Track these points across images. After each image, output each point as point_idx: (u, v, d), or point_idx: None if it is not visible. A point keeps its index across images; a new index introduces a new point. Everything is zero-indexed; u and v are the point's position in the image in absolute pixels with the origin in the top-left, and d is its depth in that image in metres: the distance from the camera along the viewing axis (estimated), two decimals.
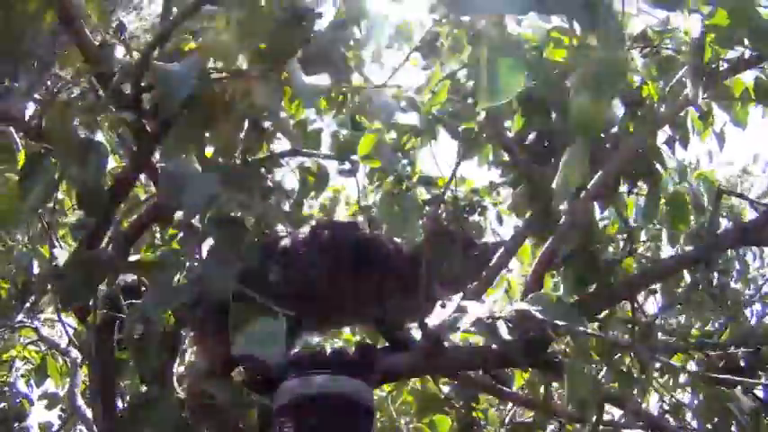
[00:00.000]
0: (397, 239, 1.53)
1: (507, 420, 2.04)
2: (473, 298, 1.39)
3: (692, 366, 1.89)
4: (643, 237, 2.16)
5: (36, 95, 1.33)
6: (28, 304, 2.07)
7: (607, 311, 1.49)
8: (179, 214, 1.17)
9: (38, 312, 2.22)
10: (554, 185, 1.07)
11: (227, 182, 1.04)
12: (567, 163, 1.06)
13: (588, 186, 1.36)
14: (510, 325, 1.01)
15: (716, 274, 2.02)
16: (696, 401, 1.81)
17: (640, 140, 1.38)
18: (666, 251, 2.22)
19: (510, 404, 2.06)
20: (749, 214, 2.15)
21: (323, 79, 1.15)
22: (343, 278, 1.40)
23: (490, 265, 1.48)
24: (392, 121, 1.21)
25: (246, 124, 1.32)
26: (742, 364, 1.73)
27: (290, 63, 1.15)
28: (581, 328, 0.99)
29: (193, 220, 1.05)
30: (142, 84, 1.16)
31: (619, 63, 0.90)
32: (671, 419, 1.83)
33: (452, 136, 1.45)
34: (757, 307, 2.50)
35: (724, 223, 1.93)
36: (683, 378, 2.14)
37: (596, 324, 1.69)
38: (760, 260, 2.69)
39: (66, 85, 1.40)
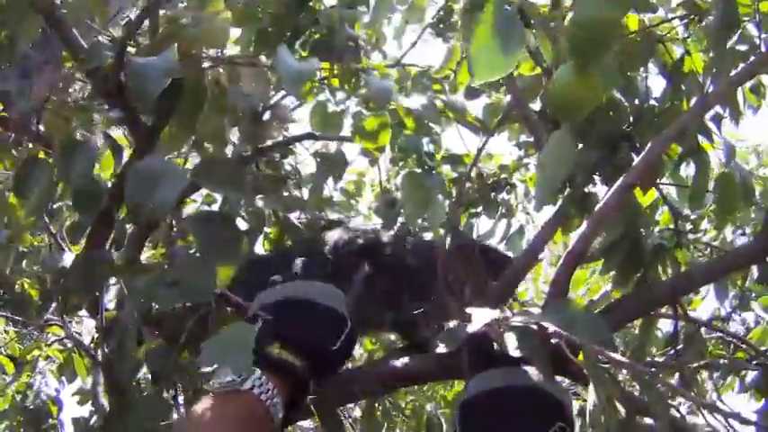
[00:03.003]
0: (411, 237, 1.43)
1: None
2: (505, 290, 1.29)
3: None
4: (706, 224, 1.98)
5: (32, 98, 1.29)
6: (55, 303, 2.08)
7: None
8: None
9: (65, 310, 2.22)
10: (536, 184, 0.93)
11: (210, 176, 0.96)
12: (547, 156, 0.92)
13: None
14: (523, 336, 0.90)
15: None
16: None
17: (686, 122, 1.22)
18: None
19: None
20: None
21: (311, 64, 1.05)
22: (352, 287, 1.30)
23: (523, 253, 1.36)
24: (389, 104, 1.10)
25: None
26: None
27: (278, 48, 1.06)
28: (606, 351, 0.84)
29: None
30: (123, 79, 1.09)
31: (602, 22, 0.75)
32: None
33: (463, 125, 1.33)
34: None
35: None
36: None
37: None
38: None
39: (65, 84, 1.36)
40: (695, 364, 1.37)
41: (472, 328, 0.90)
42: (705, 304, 2.16)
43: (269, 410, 0.92)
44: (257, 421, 0.91)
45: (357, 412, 2.60)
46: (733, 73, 1.26)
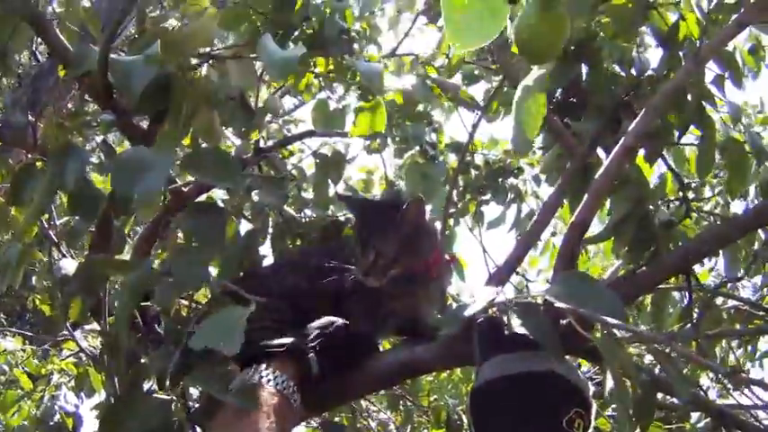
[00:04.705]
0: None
1: None
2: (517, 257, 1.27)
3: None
4: (708, 192, 1.94)
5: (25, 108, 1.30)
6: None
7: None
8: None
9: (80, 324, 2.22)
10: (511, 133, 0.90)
11: (198, 165, 0.96)
12: (520, 103, 0.88)
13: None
14: (529, 314, 0.86)
15: None
16: None
17: (682, 77, 1.18)
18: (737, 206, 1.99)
19: None
20: None
21: (295, 51, 1.04)
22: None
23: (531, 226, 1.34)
24: (380, 87, 1.09)
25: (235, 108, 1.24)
26: None
27: (261, 37, 1.05)
28: (618, 322, 0.80)
29: None
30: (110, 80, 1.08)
31: None
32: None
33: (459, 104, 1.31)
34: None
35: None
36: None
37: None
38: None
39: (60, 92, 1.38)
40: (713, 332, 1.32)
41: (474, 308, 0.87)
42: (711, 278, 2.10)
43: (287, 397, 0.96)
44: (279, 408, 0.94)
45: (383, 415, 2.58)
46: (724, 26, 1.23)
